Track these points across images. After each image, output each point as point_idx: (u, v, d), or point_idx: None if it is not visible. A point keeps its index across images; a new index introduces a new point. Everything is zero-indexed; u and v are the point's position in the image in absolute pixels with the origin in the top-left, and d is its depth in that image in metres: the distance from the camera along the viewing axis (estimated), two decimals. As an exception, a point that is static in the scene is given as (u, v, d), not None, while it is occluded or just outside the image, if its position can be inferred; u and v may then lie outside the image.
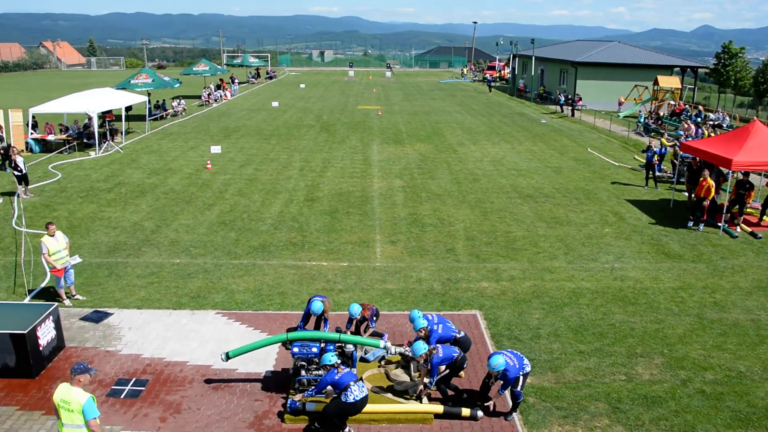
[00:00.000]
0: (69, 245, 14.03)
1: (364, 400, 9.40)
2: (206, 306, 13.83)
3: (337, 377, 9.45)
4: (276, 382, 10.96)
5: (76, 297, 14.02)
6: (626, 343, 12.46)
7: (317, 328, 11.98)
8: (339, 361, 9.82)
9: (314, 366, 10.48)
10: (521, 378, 9.85)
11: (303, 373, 10.41)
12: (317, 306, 11.60)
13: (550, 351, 12.09)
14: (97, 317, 13.14)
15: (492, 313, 13.66)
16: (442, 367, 10.29)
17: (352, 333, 12.07)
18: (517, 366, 9.75)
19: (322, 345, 10.52)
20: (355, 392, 9.29)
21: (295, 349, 10.48)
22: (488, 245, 17.93)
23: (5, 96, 56.30)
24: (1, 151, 25.95)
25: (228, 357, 10.61)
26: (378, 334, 12.20)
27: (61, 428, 7.79)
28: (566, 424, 9.87)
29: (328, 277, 15.53)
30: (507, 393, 10.08)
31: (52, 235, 13.53)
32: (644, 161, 25.71)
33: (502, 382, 9.78)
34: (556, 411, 10.21)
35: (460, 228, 19.43)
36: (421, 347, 10.21)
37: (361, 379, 9.78)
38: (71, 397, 7.70)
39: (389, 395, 10.36)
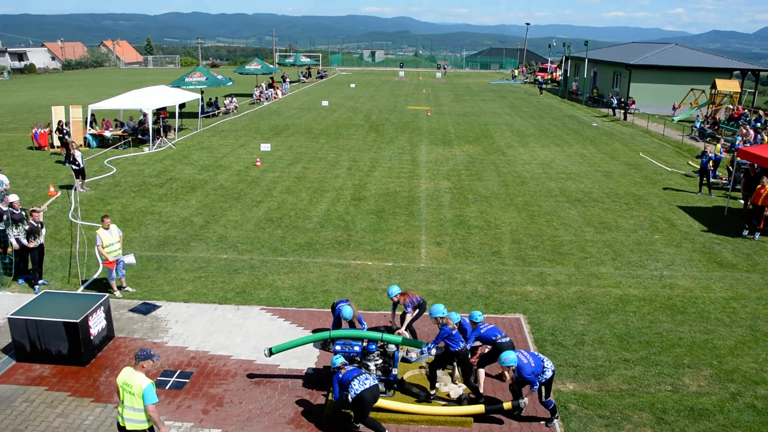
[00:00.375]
0: (122, 239, 14.44)
1: (368, 392, 9.22)
2: (251, 302, 14.04)
3: (341, 376, 9.47)
4: (317, 379, 11.05)
5: (126, 288, 14.41)
6: (673, 352, 12.16)
7: None
8: (345, 362, 9.82)
9: (356, 365, 10.54)
10: (543, 388, 9.63)
11: (344, 371, 10.46)
12: (348, 311, 11.51)
13: (594, 358, 11.89)
14: (146, 309, 13.49)
15: (536, 318, 13.51)
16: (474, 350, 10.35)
17: (392, 324, 12.13)
18: (533, 364, 9.50)
19: (365, 344, 10.59)
20: (355, 387, 9.23)
21: (338, 348, 10.56)
22: (534, 249, 17.73)
23: (67, 93, 58.25)
24: (68, 143, 26.68)
25: (271, 353, 10.75)
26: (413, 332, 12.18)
27: (122, 410, 8.08)
28: (608, 433, 9.69)
29: (373, 277, 15.59)
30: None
31: (107, 228, 13.94)
32: (698, 167, 25.05)
33: (521, 380, 9.60)
34: (598, 419, 10.04)
35: (506, 231, 19.27)
36: (440, 310, 10.26)
37: (364, 372, 9.69)
38: (134, 381, 8.01)
39: (431, 395, 10.35)
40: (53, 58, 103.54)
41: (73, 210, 20.38)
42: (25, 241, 14.25)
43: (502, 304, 14.14)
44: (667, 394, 10.79)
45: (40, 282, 14.62)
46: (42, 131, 30.73)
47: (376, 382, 9.55)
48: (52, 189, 22.61)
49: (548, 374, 9.65)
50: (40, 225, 14.52)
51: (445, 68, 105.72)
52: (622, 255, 17.38)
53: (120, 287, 14.39)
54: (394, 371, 10.47)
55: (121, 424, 8.09)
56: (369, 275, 15.70)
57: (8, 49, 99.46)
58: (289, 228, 19.15)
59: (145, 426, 8.06)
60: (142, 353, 8.14)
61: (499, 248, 17.76)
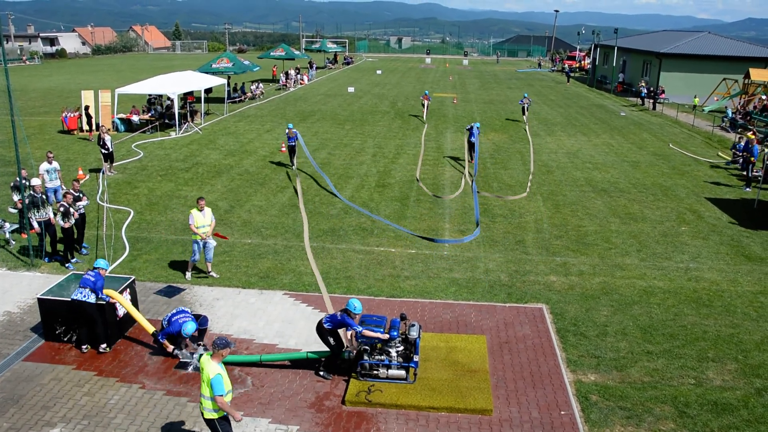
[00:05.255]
0: (214, 224, 14.50)
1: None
2: (274, 286, 14.15)
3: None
4: (338, 364, 11.10)
5: (211, 274, 14.63)
6: (697, 346, 12.03)
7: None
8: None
9: (377, 351, 10.61)
10: None
11: (366, 357, 10.54)
12: (190, 327, 11.00)
13: (616, 349, 11.81)
14: (171, 292, 13.67)
15: (558, 308, 13.43)
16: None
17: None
18: None
19: (386, 330, 10.66)
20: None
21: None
22: (558, 239, 17.61)
23: (97, 77, 58.91)
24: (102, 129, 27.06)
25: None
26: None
27: (202, 400, 8.10)
28: (629, 425, 9.63)
29: (395, 264, 15.61)
30: None
31: (201, 210, 14.15)
32: (728, 158, 24.60)
33: None
34: (619, 411, 9.98)
35: (530, 220, 19.16)
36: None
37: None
38: (207, 369, 7.92)
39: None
40: (83, 43, 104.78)
41: (101, 193, 20.65)
42: (35, 222, 14.84)
43: (524, 294, 14.09)
44: (690, 387, 10.69)
45: (73, 260, 15.02)
46: (71, 115, 31.14)
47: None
48: (81, 172, 22.92)
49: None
50: (69, 207, 14.88)
51: (498, 57, 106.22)
52: (647, 246, 17.19)
53: (206, 271, 14.64)
54: (416, 358, 10.51)
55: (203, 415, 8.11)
56: (392, 262, 15.72)
57: (40, 34, 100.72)
58: (313, 214, 19.22)
59: (215, 415, 8.01)
60: (220, 341, 8.00)
61: (522, 237, 17.67)
